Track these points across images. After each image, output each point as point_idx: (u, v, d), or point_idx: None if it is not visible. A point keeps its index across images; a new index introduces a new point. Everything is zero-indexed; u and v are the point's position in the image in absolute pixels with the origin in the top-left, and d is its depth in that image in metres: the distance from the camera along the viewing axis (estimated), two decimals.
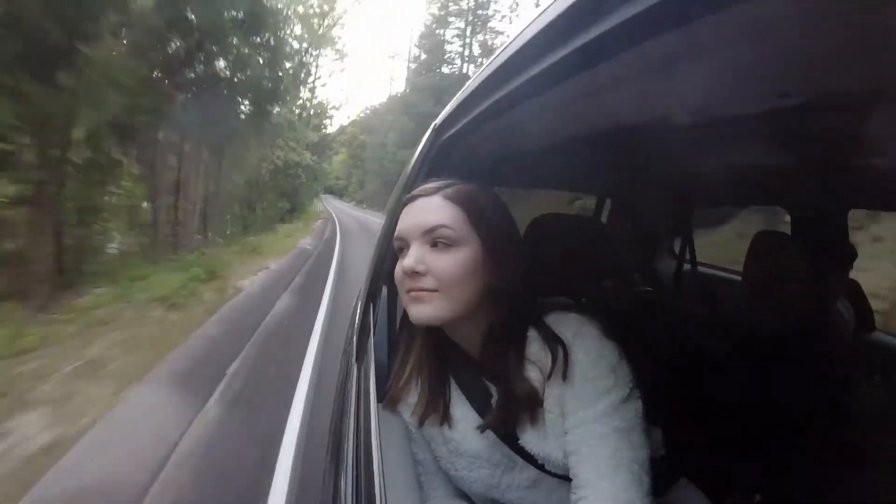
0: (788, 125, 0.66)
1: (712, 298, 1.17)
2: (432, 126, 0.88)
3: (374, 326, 0.91)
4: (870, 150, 0.64)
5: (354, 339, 1.11)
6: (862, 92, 0.50)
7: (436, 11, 32.06)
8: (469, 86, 0.65)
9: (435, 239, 0.58)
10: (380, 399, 0.72)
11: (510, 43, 0.50)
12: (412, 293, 0.58)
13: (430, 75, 29.63)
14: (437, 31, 31.96)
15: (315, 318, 4.72)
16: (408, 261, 0.57)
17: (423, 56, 32.59)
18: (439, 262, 0.57)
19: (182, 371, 3.25)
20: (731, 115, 0.62)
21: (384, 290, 0.95)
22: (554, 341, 0.58)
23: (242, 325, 4.38)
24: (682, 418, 0.80)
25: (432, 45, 31.98)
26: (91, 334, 3.88)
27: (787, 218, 1.09)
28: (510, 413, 0.59)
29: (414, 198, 0.63)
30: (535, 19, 0.43)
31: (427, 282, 0.57)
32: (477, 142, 0.76)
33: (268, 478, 2.04)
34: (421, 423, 0.66)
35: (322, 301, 5.46)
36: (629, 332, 0.62)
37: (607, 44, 0.34)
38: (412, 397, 0.68)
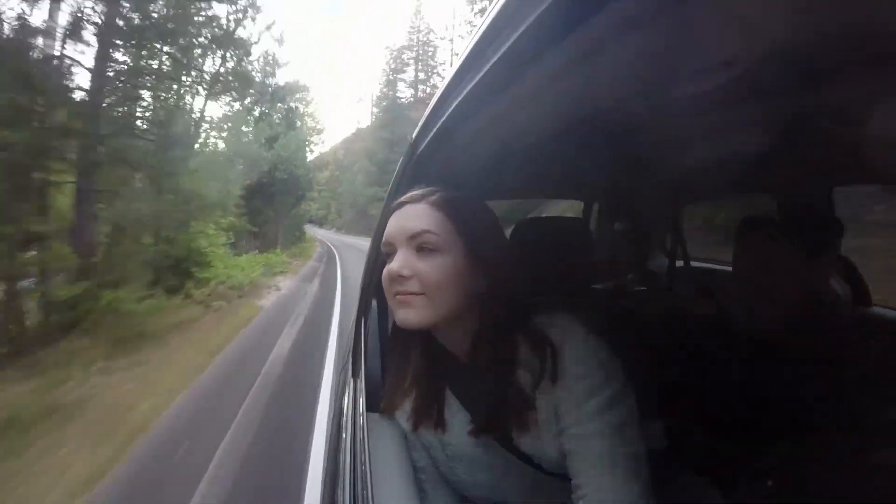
0: (766, 109, 0.66)
1: (707, 291, 1.16)
2: (410, 140, 0.88)
3: (366, 338, 0.91)
4: (851, 126, 0.64)
5: (350, 355, 1.11)
6: (837, 70, 0.50)
7: (388, 76, 41.67)
8: (437, 92, 0.65)
9: (420, 244, 0.58)
10: (370, 408, 0.72)
11: (472, 38, 0.48)
12: (398, 297, 0.58)
13: (385, 129, 36.80)
14: (389, 93, 41.17)
15: (336, 258, 17.75)
16: (393, 265, 0.58)
17: (380, 114, 40.21)
18: (424, 266, 0.57)
19: (315, 259, 18.48)
20: (711, 106, 0.62)
21: (374, 303, 0.95)
22: (541, 343, 0.58)
23: (320, 259, 18.41)
24: (685, 410, 0.79)
25: (387, 105, 39.36)
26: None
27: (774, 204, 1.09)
28: (502, 416, 0.59)
29: (401, 204, 0.63)
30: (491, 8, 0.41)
31: (412, 285, 0.57)
32: (454, 151, 0.77)
33: (336, 280, 11.19)
34: (415, 428, 0.66)
35: (337, 257, 18.30)
36: (627, 330, 0.62)
37: (564, 26, 0.32)
38: (408, 404, 0.67)
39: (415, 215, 0.60)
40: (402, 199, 0.64)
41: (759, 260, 0.86)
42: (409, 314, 0.58)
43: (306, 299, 8.32)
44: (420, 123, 0.78)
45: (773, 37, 0.39)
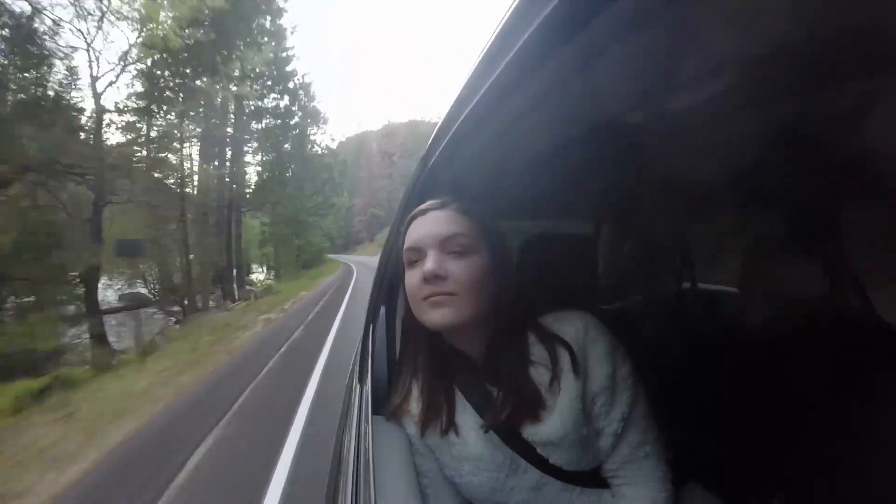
0: (775, 122, 0.65)
1: (714, 309, 1.14)
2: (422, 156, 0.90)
3: (373, 345, 0.92)
4: (863, 141, 0.63)
5: (358, 361, 1.11)
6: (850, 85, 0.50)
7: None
8: (448, 105, 0.63)
9: (452, 246, 0.60)
10: (376, 412, 0.71)
11: (482, 48, 0.47)
12: (432, 298, 0.59)
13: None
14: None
15: (351, 264, 34.95)
16: (429, 265, 0.59)
17: None
18: (457, 267, 0.59)
19: (342, 269, 29.94)
20: (721, 114, 0.61)
21: (382, 310, 0.96)
22: (550, 340, 0.61)
23: (346, 267, 32.02)
24: (692, 421, 0.77)
25: None
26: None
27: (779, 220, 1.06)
28: (512, 411, 0.60)
29: (424, 211, 0.65)
30: (499, 27, 0.40)
31: (447, 286, 0.58)
32: (464, 164, 0.77)
33: (350, 282, 19.89)
34: (423, 429, 0.66)
35: (351, 262, 37.71)
36: (634, 346, 0.62)
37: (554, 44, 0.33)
38: (415, 407, 0.68)
39: (444, 220, 0.62)
40: (423, 207, 0.66)
41: (765, 275, 0.84)
42: (445, 314, 0.58)
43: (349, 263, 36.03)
44: (431, 136, 0.79)
45: (795, 37, 0.38)
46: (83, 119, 10.71)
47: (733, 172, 0.89)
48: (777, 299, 0.82)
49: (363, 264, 30.03)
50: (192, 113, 13.91)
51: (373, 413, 0.73)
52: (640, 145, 0.73)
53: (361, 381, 0.91)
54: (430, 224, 0.63)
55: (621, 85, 0.47)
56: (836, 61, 0.43)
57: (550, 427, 0.59)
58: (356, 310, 9.54)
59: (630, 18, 0.30)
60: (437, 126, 0.73)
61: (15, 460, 3.41)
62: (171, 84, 12.68)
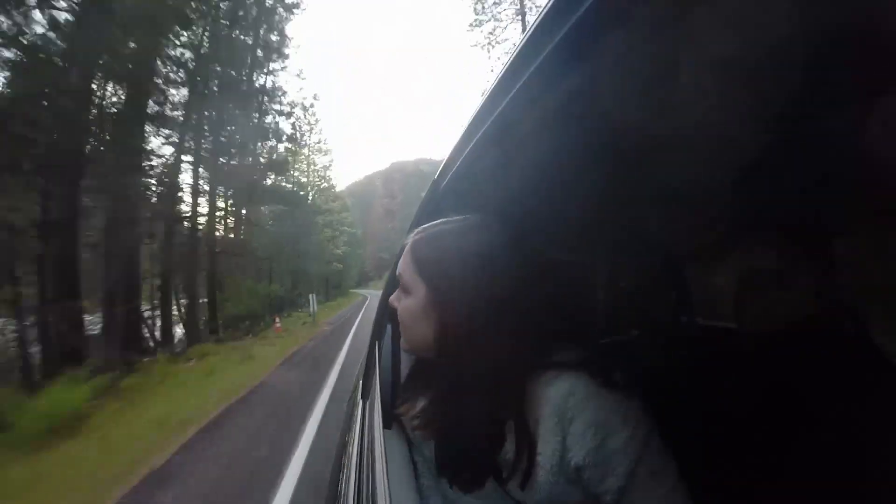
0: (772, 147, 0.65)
1: (713, 335, 1.14)
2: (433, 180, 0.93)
3: (380, 362, 0.92)
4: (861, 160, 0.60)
5: (361, 378, 1.10)
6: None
7: None
8: (461, 129, 0.64)
9: (401, 284, 0.64)
10: (385, 426, 0.71)
11: (493, 85, 0.47)
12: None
13: None
14: None
15: (365, 294, 50.73)
16: (389, 299, 0.67)
17: None
18: (400, 304, 0.63)
19: (361, 297, 44.61)
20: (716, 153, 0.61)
21: (388, 328, 0.97)
22: (523, 436, 0.52)
23: (363, 296, 45.36)
24: (697, 451, 0.75)
25: None
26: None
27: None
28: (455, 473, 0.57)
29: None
30: (512, 59, 0.41)
31: (397, 319, 0.65)
32: (475, 190, 0.79)
33: (368, 298, 40.94)
34: (419, 432, 0.65)
35: (364, 293, 52.99)
36: (634, 378, 0.61)
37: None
38: (419, 425, 0.66)
39: (402, 257, 0.65)
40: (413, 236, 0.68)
41: (760, 296, 0.85)
42: (402, 341, 0.66)
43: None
44: (443, 162, 0.82)
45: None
46: None
47: (742, 194, 0.85)
48: (776, 318, 0.82)
49: (373, 296, 42.61)
50: None
51: (378, 428, 0.73)
52: (639, 177, 0.75)
53: (364, 397, 0.91)
54: (400, 259, 0.66)
55: (631, 107, 0.46)
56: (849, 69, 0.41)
57: (532, 498, 0.53)
58: (372, 300, 17.52)
59: (640, 37, 0.30)
60: (449, 152, 0.76)
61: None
62: None
